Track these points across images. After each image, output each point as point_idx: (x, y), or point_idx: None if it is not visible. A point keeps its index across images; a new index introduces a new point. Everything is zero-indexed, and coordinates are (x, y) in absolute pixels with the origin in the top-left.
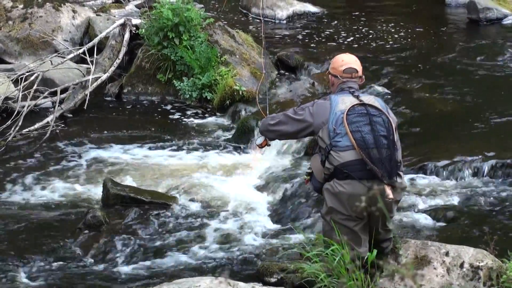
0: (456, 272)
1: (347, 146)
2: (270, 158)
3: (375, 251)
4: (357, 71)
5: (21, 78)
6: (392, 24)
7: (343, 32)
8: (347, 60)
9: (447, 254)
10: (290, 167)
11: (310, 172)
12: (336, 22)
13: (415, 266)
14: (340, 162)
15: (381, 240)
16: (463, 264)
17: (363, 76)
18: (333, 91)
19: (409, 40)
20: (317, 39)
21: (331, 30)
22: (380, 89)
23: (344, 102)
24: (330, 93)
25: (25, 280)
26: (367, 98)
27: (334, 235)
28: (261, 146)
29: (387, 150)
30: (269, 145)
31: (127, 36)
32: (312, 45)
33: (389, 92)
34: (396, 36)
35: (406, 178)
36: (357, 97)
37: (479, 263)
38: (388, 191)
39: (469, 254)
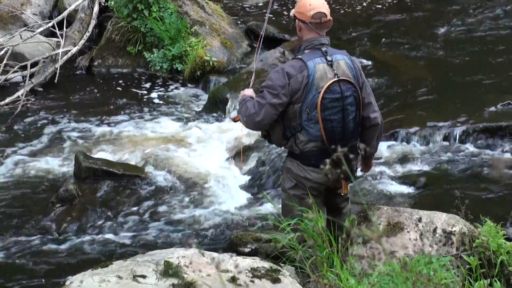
0: (429, 237)
1: (317, 136)
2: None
3: (352, 217)
4: (326, 16)
5: None
6: None
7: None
8: (315, 4)
9: (419, 220)
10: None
11: (266, 134)
12: None
13: (388, 232)
14: (307, 149)
15: (338, 202)
16: (435, 230)
17: (331, 19)
18: (301, 37)
19: (380, 7)
20: (286, 7)
21: None
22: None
23: (320, 75)
24: (299, 47)
25: None
26: (340, 66)
27: (294, 208)
28: (235, 120)
29: (352, 136)
30: None
31: (96, 8)
32: (282, 14)
33: (362, 60)
34: (364, 3)
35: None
36: (331, 64)
37: (452, 228)
38: (344, 186)
39: (441, 219)
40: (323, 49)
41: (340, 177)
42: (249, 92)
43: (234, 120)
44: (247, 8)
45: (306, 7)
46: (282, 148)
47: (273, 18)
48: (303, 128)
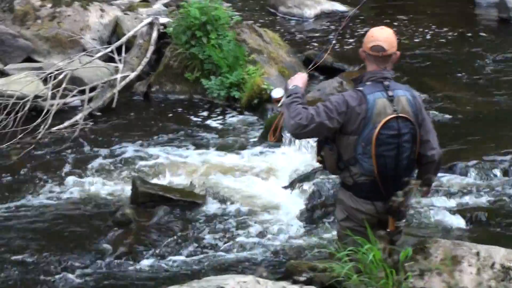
0: (487, 272)
1: (370, 171)
2: (299, 156)
3: (409, 249)
4: (384, 50)
5: (50, 77)
6: (421, 24)
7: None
8: (376, 36)
9: (477, 254)
10: (319, 167)
11: (321, 160)
12: (364, 21)
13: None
14: (360, 181)
15: (391, 235)
16: (494, 265)
17: (397, 53)
18: (366, 67)
19: (439, 40)
20: (345, 38)
21: (359, 29)
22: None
23: (378, 110)
24: (361, 78)
25: (56, 276)
26: (400, 102)
27: (348, 239)
28: (276, 101)
29: (404, 174)
30: None
31: (155, 35)
32: (340, 44)
33: (420, 92)
34: (425, 36)
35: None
36: (391, 100)
37: (510, 263)
38: (391, 223)
39: (500, 254)
40: (386, 83)
41: (388, 212)
42: (300, 80)
43: (275, 100)
44: (305, 38)
45: (369, 37)
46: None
47: (332, 48)
48: (357, 162)
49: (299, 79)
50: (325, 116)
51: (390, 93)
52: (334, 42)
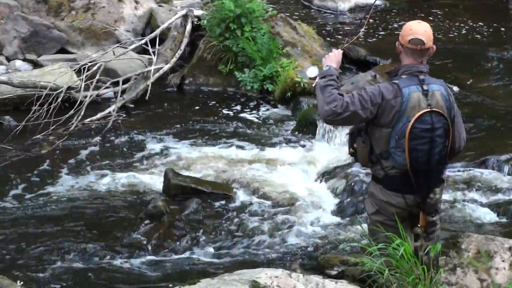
0: None
1: (402, 164)
2: (331, 150)
3: (439, 245)
4: (423, 43)
5: (84, 68)
6: (455, 18)
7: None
8: (415, 30)
9: (510, 249)
10: (351, 160)
11: (353, 151)
12: (398, 15)
13: (478, 261)
14: (391, 174)
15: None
16: None
17: (433, 47)
18: (402, 60)
19: (473, 34)
20: (379, 31)
21: (393, 23)
22: None
23: (413, 104)
24: (396, 71)
25: (88, 267)
26: (434, 97)
27: (379, 233)
28: (311, 79)
29: (435, 168)
30: None
31: (189, 27)
32: (374, 37)
33: (452, 86)
34: (459, 30)
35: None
36: (426, 94)
37: None
38: (421, 217)
39: None
40: (421, 77)
41: (419, 206)
42: (335, 59)
43: (311, 78)
44: (339, 31)
45: (407, 31)
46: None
47: (365, 41)
48: (390, 155)
49: (333, 58)
50: (359, 105)
51: (425, 87)
52: (368, 17)
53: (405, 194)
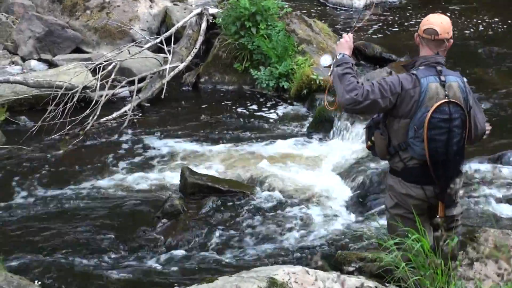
0: None
1: (421, 155)
2: (347, 146)
3: (456, 238)
4: (437, 33)
5: (99, 68)
6: (471, 14)
7: (420, 21)
8: (432, 20)
9: None
10: (368, 156)
11: (371, 145)
12: (413, 11)
13: (495, 255)
14: (410, 166)
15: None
16: None
17: (450, 40)
18: (420, 52)
19: (489, 30)
20: (394, 28)
21: (408, 20)
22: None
23: (431, 94)
24: (414, 62)
25: (105, 267)
26: (452, 88)
27: (398, 228)
28: (326, 67)
29: (453, 159)
30: None
31: (204, 25)
32: (389, 34)
33: (470, 80)
34: (475, 25)
35: (485, 167)
36: (443, 85)
37: None
38: (440, 208)
39: None
40: (438, 68)
41: (438, 197)
42: (347, 46)
43: (325, 67)
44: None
45: (424, 21)
46: (388, 166)
47: (381, 38)
48: (408, 146)
49: (345, 45)
50: (379, 94)
51: (443, 78)
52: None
53: (424, 185)
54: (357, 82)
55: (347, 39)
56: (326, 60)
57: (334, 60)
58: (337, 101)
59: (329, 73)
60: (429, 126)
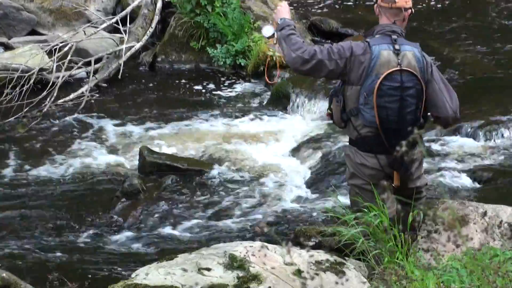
0: (494, 231)
1: (371, 122)
2: (305, 122)
3: (417, 211)
4: (394, 1)
5: (55, 49)
6: None
7: None
8: None
9: (484, 213)
10: (325, 132)
11: (330, 112)
12: None
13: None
14: (362, 134)
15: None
16: (501, 223)
17: (409, 10)
18: (379, 21)
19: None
20: (350, 2)
21: None
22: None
23: (382, 61)
24: (372, 32)
25: (64, 248)
26: (406, 57)
27: (359, 201)
28: (269, 38)
29: (407, 129)
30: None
31: (159, 4)
32: (345, 10)
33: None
34: None
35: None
36: (397, 53)
37: None
38: (395, 177)
39: (507, 213)
40: (394, 36)
41: (392, 166)
42: (285, 10)
43: (268, 38)
44: (310, 3)
45: None
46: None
47: (337, 14)
48: (359, 112)
49: (284, 11)
50: (327, 56)
51: (397, 47)
52: None
53: (378, 154)
54: (303, 42)
55: (283, 5)
56: (268, 30)
57: (276, 27)
58: (286, 61)
59: (274, 42)
60: (378, 93)
